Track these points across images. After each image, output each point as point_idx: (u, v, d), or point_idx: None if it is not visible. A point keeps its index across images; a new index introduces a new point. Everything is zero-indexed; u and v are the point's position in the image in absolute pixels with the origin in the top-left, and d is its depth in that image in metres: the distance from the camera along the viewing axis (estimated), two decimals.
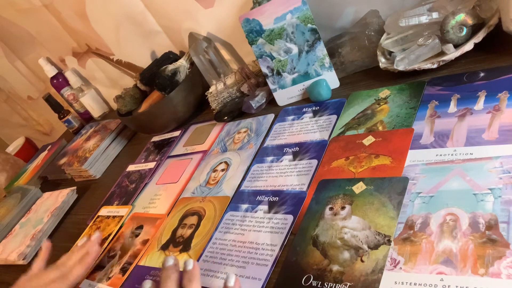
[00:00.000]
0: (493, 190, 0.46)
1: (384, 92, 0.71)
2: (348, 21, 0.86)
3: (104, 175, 1.09)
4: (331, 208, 0.56)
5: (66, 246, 0.86)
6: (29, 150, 1.52)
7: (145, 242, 0.73)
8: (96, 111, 1.41)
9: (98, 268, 0.74)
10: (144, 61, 1.18)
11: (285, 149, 0.73)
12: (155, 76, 1.01)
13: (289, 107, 0.83)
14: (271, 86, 0.85)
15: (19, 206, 1.08)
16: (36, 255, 0.91)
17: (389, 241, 0.48)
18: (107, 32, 1.19)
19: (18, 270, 0.90)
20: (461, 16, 0.64)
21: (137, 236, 0.76)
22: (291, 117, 0.80)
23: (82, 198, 1.04)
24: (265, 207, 0.64)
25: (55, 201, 1.02)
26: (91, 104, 1.39)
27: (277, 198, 0.64)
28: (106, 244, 0.79)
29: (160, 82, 0.99)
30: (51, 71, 1.38)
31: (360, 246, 0.50)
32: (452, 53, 0.64)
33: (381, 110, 0.68)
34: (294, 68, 0.81)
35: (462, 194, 0.48)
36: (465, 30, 0.64)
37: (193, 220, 0.71)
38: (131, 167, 1.00)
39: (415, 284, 0.43)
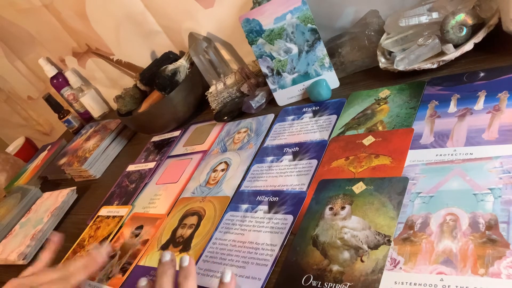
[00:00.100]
0: (493, 190, 0.46)
1: (384, 92, 0.71)
2: (348, 21, 0.86)
3: (104, 175, 1.09)
4: (331, 208, 0.56)
5: (66, 246, 0.86)
6: (29, 150, 1.52)
7: (145, 242, 0.73)
8: (96, 111, 1.41)
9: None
10: (144, 61, 1.18)
11: (285, 149, 0.73)
12: (155, 76, 1.01)
13: (289, 107, 0.83)
14: (271, 86, 0.85)
15: (19, 206, 1.08)
16: (36, 255, 0.91)
17: (389, 241, 0.48)
18: (107, 32, 1.19)
19: (18, 270, 0.90)
20: (461, 16, 0.64)
21: (137, 236, 0.76)
22: (291, 117, 0.80)
23: (82, 198, 1.04)
24: (265, 207, 0.64)
25: (55, 201, 1.02)
26: (91, 104, 1.39)
27: (277, 198, 0.64)
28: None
29: (160, 82, 0.99)
30: (51, 71, 1.38)
31: (360, 246, 0.50)
32: (452, 53, 0.64)
33: (381, 110, 0.68)
34: (294, 68, 0.81)
35: (462, 194, 0.48)
36: (465, 30, 0.64)
37: (193, 220, 0.71)
38: (131, 167, 1.00)
39: (415, 284, 0.43)
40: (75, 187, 1.04)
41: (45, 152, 1.36)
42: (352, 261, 0.49)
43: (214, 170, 0.80)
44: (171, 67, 1.00)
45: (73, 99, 1.40)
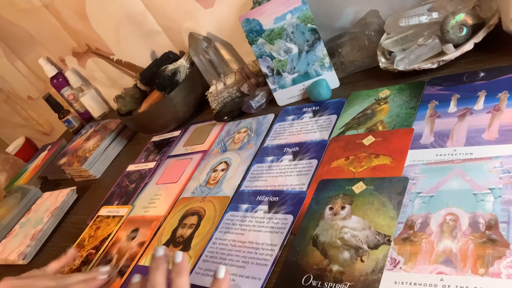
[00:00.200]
0: (493, 190, 0.46)
1: (384, 92, 0.71)
2: (348, 21, 0.86)
3: (104, 175, 1.09)
4: (331, 208, 0.56)
5: (66, 246, 0.86)
6: (29, 150, 1.52)
7: (141, 244, 0.73)
8: (96, 111, 1.41)
9: None
10: (144, 61, 1.18)
11: (285, 149, 0.73)
12: (155, 76, 1.01)
13: (289, 107, 0.83)
14: (271, 86, 0.85)
15: (19, 206, 1.08)
16: (36, 255, 0.92)
17: (389, 241, 0.48)
18: (107, 32, 1.19)
19: (18, 270, 0.90)
20: (461, 16, 0.64)
21: (133, 239, 0.75)
22: (291, 117, 0.80)
23: (82, 198, 1.04)
24: (265, 207, 0.64)
25: (55, 201, 1.02)
26: (91, 104, 1.39)
27: (277, 198, 0.64)
28: (103, 248, 0.78)
29: (160, 82, 0.99)
30: (51, 71, 1.38)
31: (360, 246, 0.50)
32: (452, 53, 0.64)
33: (381, 110, 0.68)
34: (294, 68, 0.81)
35: (462, 194, 0.48)
36: (465, 30, 0.64)
37: (193, 220, 0.71)
38: (131, 167, 1.00)
39: (415, 284, 0.43)
40: (75, 187, 1.04)
41: (45, 152, 1.36)
42: (352, 261, 0.49)
43: (214, 170, 0.80)
44: (171, 67, 1.00)
45: (73, 99, 1.40)
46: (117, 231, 0.81)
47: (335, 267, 0.49)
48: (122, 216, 0.84)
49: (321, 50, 0.78)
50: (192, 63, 1.03)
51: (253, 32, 0.81)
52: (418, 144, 0.58)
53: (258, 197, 0.66)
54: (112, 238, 0.79)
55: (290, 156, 0.71)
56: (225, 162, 0.80)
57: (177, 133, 1.01)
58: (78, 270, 0.76)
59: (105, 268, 0.63)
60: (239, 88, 0.93)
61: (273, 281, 0.53)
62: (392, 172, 0.56)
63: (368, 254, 0.48)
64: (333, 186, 0.59)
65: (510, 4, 0.58)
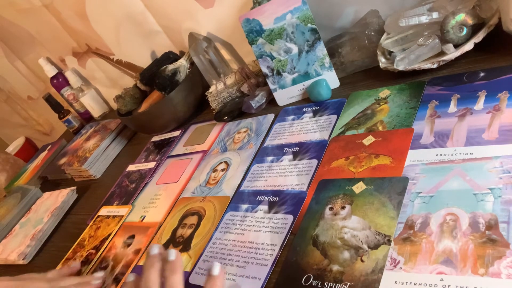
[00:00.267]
0: (493, 190, 0.46)
1: (384, 92, 0.71)
2: (348, 21, 0.86)
3: (104, 175, 1.09)
4: (331, 208, 0.56)
5: (66, 246, 0.86)
6: (29, 150, 1.52)
7: (137, 252, 0.72)
8: (96, 111, 1.41)
9: None
10: (144, 61, 1.18)
11: (285, 149, 0.73)
12: (155, 76, 1.01)
13: (289, 107, 0.83)
14: (271, 86, 0.85)
15: (19, 206, 1.08)
16: (36, 255, 0.92)
17: (389, 241, 0.48)
18: (107, 32, 1.19)
19: (18, 270, 0.90)
20: (461, 16, 0.64)
21: (129, 245, 0.75)
22: (291, 117, 0.80)
23: (82, 198, 1.04)
24: (265, 207, 0.64)
25: (55, 201, 1.02)
26: (91, 104, 1.39)
27: (277, 198, 0.64)
28: (99, 253, 0.78)
29: (160, 82, 0.99)
30: (51, 71, 1.38)
31: (360, 246, 0.50)
32: (452, 53, 0.64)
33: (381, 110, 0.68)
34: (294, 68, 0.81)
35: (462, 194, 0.48)
36: (465, 30, 0.64)
37: (193, 220, 0.71)
38: (131, 167, 1.00)
39: (415, 284, 0.43)
40: (75, 187, 1.04)
41: (45, 152, 1.36)
42: (352, 261, 0.49)
43: (214, 170, 0.80)
44: (171, 67, 1.00)
45: (73, 99, 1.40)
46: (115, 233, 0.81)
47: (335, 267, 0.49)
48: (122, 216, 0.84)
49: (321, 50, 0.78)
50: (192, 63, 1.03)
51: (253, 32, 0.81)
52: (418, 144, 0.58)
53: (258, 197, 0.66)
54: (108, 244, 0.79)
55: (290, 156, 0.71)
56: (225, 162, 0.80)
57: (177, 133, 1.01)
58: (78, 270, 0.76)
59: (100, 274, 0.63)
60: (239, 88, 0.93)
61: (273, 281, 0.53)
62: (392, 172, 0.56)
63: (368, 254, 0.48)
64: (333, 186, 0.59)
65: (510, 4, 0.58)
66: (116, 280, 0.69)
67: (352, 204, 0.55)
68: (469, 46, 0.63)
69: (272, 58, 0.82)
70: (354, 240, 0.51)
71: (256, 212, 0.64)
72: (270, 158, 0.73)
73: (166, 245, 0.69)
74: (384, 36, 0.77)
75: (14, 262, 0.91)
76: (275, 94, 0.85)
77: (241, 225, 0.64)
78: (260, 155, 0.76)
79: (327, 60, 0.79)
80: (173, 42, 1.12)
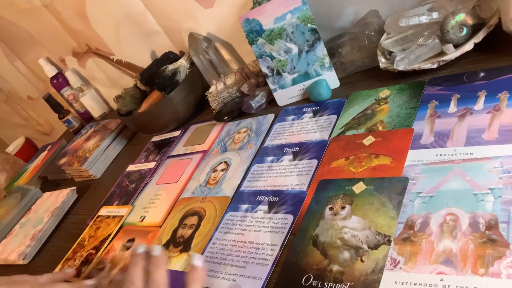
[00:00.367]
0: (493, 190, 0.46)
1: (384, 92, 0.71)
2: (348, 21, 0.86)
3: (104, 175, 1.09)
4: (331, 208, 0.56)
5: (66, 246, 0.86)
6: (29, 150, 1.52)
7: None
8: (96, 111, 1.41)
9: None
10: (144, 61, 1.18)
11: (285, 149, 0.73)
12: (155, 76, 1.01)
13: (289, 107, 0.83)
14: (271, 86, 0.85)
15: (19, 206, 1.08)
16: (36, 255, 0.92)
17: (389, 241, 0.48)
18: (107, 32, 1.19)
19: (18, 270, 0.90)
20: (461, 16, 0.64)
21: (127, 249, 0.75)
22: (291, 117, 0.80)
23: (82, 198, 1.04)
24: (265, 207, 0.64)
25: (55, 201, 1.02)
26: (91, 104, 1.39)
27: (277, 198, 0.64)
28: (99, 253, 0.78)
29: (160, 82, 0.99)
30: (51, 71, 1.38)
31: (360, 246, 0.50)
32: (452, 53, 0.64)
33: (381, 110, 0.68)
34: (294, 68, 0.81)
35: (462, 194, 0.48)
36: (465, 30, 0.64)
37: (193, 220, 0.71)
38: (131, 167, 1.00)
39: (415, 284, 0.43)
40: (75, 187, 1.04)
41: (45, 152, 1.36)
42: (352, 261, 0.49)
43: (214, 170, 0.80)
44: (171, 67, 1.00)
45: (73, 99, 1.40)
46: (115, 235, 0.81)
47: (335, 267, 0.49)
48: (122, 216, 0.84)
49: (321, 50, 0.78)
50: (192, 63, 1.03)
51: (253, 32, 0.81)
52: (418, 144, 0.58)
53: (258, 197, 0.66)
54: (107, 246, 0.78)
55: (290, 156, 0.71)
56: (225, 162, 0.80)
57: (177, 133, 1.01)
58: (78, 270, 0.76)
59: (91, 282, 0.62)
60: (239, 88, 0.93)
61: (273, 281, 0.53)
62: (392, 172, 0.56)
63: (368, 254, 0.48)
64: (333, 186, 0.59)
65: (510, 4, 0.58)
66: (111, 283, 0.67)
67: (352, 204, 0.55)
68: (469, 46, 0.63)
69: (272, 58, 0.82)
70: (354, 240, 0.51)
71: (256, 212, 0.64)
72: (270, 158, 0.73)
73: (166, 246, 0.69)
74: (384, 36, 0.77)
75: (14, 262, 0.91)
76: (275, 94, 0.85)
77: (241, 225, 0.64)
78: (260, 155, 0.76)
79: (327, 60, 0.79)
80: (173, 42, 1.12)
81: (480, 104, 0.57)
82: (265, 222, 0.61)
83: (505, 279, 0.39)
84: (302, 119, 0.78)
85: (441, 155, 0.54)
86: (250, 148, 0.79)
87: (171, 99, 0.97)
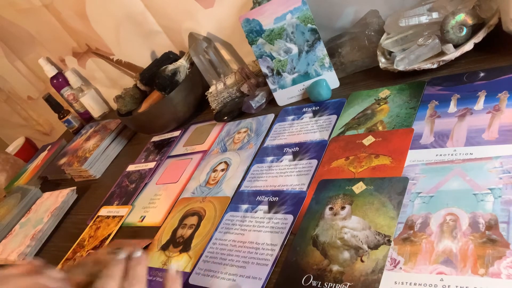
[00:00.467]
0: (493, 190, 0.46)
1: (384, 92, 0.71)
2: (348, 21, 0.86)
3: (104, 175, 1.09)
4: (331, 208, 0.56)
5: (66, 246, 0.86)
6: (29, 150, 1.52)
7: None
8: (96, 111, 1.41)
9: None
10: (144, 61, 1.18)
11: (285, 149, 0.73)
12: (155, 76, 1.01)
13: (289, 107, 0.83)
14: (271, 86, 0.85)
15: (19, 206, 1.08)
16: (36, 255, 0.91)
17: (389, 241, 0.48)
18: (107, 32, 1.19)
19: None
20: (461, 16, 0.64)
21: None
22: (291, 117, 0.80)
23: (82, 198, 1.04)
24: (265, 207, 0.64)
25: (55, 201, 1.02)
26: (91, 104, 1.39)
27: (277, 198, 0.64)
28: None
29: (160, 82, 0.99)
30: (51, 71, 1.38)
31: (360, 246, 0.50)
32: (452, 53, 0.64)
33: (381, 110, 0.68)
34: (294, 68, 0.81)
35: (462, 194, 0.48)
36: (465, 30, 0.64)
37: (193, 220, 0.71)
38: (131, 167, 1.00)
39: (415, 284, 0.43)
40: (75, 187, 1.04)
41: (45, 152, 1.36)
42: (352, 261, 0.49)
43: (214, 170, 0.80)
44: (171, 67, 1.00)
45: (73, 99, 1.40)
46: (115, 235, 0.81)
47: (335, 267, 0.49)
48: (122, 216, 0.84)
49: (321, 50, 0.78)
50: (192, 63, 1.03)
51: (253, 32, 0.81)
52: (418, 144, 0.58)
53: (258, 197, 0.66)
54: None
55: (290, 156, 0.71)
56: (225, 162, 0.80)
57: (177, 133, 1.01)
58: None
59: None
60: (239, 88, 0.93)
61: (273, 281, 0.53)
62: (392, 172, 0.56)
63: (368, 254, 0.48)
64: (333, 186, 0.59)
65: (510, 4, 0.58)
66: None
67: (352, 204, 0.55)
68: (469, 46, 0.63)
69: (272, 58, 0.82)
70: (354, 240, 0.51)
71: (256, 212, 0.64)
72: (270, 158, 0.73)
73: (166, 246, 0.69)
74: (384, 36, 0.77)
75: (14, 262, 0.91)
76: (275, 94, 0.85)
77: (241, 225, 0.64)
78: (260, 155, 0.76)
79: (327, 60, 0.79)
80: (173, 42, 1.12)
81: (480, 104, 0.57)
82: (265, 222, 0.61)
83: (505, 279, 0.39)
84: (302, 119, 0.78)
85: (441, 155, 0.54)
86: (250, 148, 0.79)
87: (171, 99, 0.97)
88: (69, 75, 1.37)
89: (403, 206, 0.51)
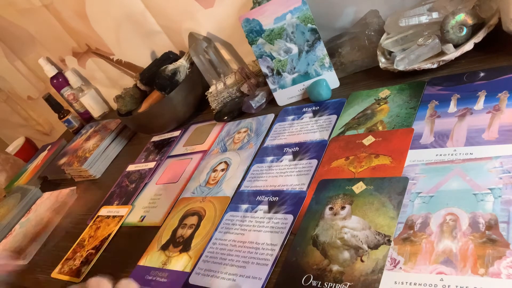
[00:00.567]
0: (493, 190, 0.46)
1: (384, 92, 0.71)
2: (348, 21, 0.86)
3: (104, 175, 1.09)
4: (331, 208, 0.56)
5: (66, 246, 0.86)
6: (29, 150, 1.52)
7: None
8: (96, 111, 1.41)
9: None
10: (144, 61, 1.18)
11: (285, 149, 0.73)
12: (155, 76, 1.01)
13: (289, 107, 0.83)
14: (271, 86, 0.85)
15: (19, 206, 1.08)
16: (36, 255, 0.91)
17: (389, 241, 0.48)
18: (107, 32, 1.19)
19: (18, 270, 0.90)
20: (461, 16, 0.64)
21: None
22: (291, 117, 0.80)
23: (82, 198, 1.04)
24: (265, 207, 0.64)
25: (55, 201, 1.02)
26: (91, 104, 1.39)
27: (277, 198, 0.64)
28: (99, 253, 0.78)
29: (160, 82, 0.99)
30: (51, 71, 1.38)
31: (360, 246, 0.50)
32: (452, 53, 0.64)
33: (381, 110, 0.68)
34: (294, 68, 0.81)
35: (462, 194, 0.48)
36: (465, 30, 0.64)
37: (193, 220, 0.71)
38: (131, 167, 1.00)
39: (415, 284, 0.43)
40: (75, 187, 1.04)
41: (45, 152, 1.36)
42: (352, 261, 0.49)
43: (214, 170, 0.80)
44: (171, 67, 1.00)
45: (73, 99, 1.40)
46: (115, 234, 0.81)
47: (335, 267, 0.49)
48: (122, 216, 0.84)
49: (321, 50, 0.78)
50: (192, 63, 1.03)
51: (253, 32, 0.81)
52: (418, 144, 0.58)
53: (258, 197, 0.66)
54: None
55: (290, 156, 0.71)
56: (225, 162, 0.80)
57: (177, 133, 1.01)
58: (78, 270, 0.76)
59: None
60: (239, 88, 0.93)
61: (273, 281, 0.53)
62: (392, 172, 0.56)
63: (368, 254, 0.48)
64: (333, 186, 0.59)
65: (510, 4, 0.58)
66: None
67: (352, 204, 0.55)
68: (469, 46, 0.63)
69: (272, 58, 0.82)
70: (354, 240, 0.51)
71: (256, 212, 0.64)
72: (270, 158, 0.73)
73: (166, 245, 0.69)
74: (384, 36, 0.77)
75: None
76: (275, 94, 0.85)
77: (241, 225, 0.64)
78: (260, 155, 0.76)
79: (327, 60, 0.79)
80: (173, 42, 1.12)
81: (480, 104, 0.57)
82: (265, 222, 0.61)
83: (505, 279, 0.39)
84: (302, 119, 0.78)
85: (441, 155, 0.54)
86: (250, 148, 0.79)
87: (171, 99, 0.97)
88: (69, 75, 1.37)
89: (403, 206, 0.51)
